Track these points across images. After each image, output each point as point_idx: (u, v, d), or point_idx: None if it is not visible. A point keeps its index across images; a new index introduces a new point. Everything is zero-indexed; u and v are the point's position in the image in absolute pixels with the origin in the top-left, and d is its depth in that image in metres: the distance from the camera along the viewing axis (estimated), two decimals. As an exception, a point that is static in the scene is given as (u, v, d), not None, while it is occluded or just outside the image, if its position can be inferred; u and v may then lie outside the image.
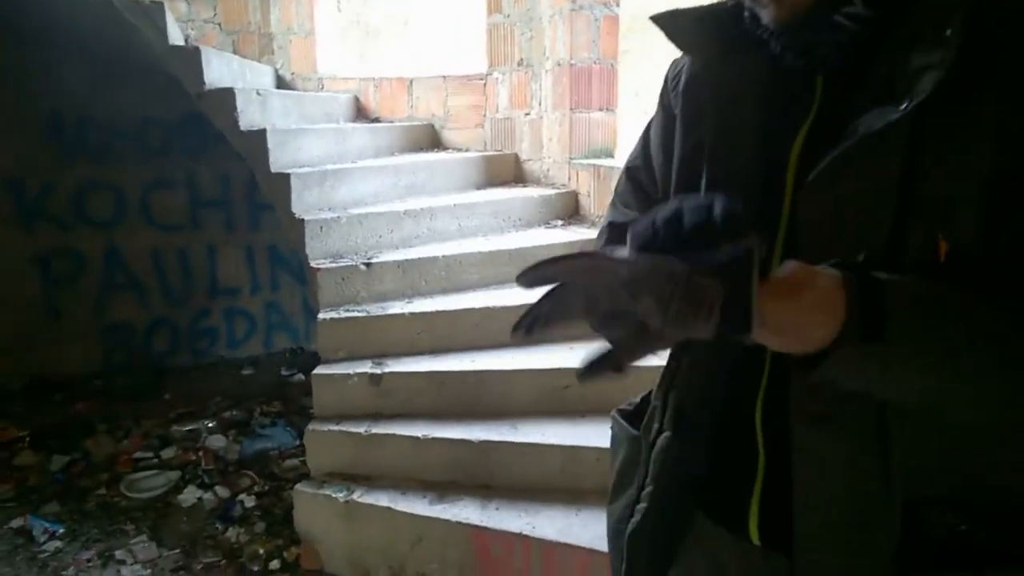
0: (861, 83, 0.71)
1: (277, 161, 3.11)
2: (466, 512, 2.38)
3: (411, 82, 4.23)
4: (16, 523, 2.90)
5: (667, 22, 0.84)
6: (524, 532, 2.25)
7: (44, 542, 2.76)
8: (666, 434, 0.91)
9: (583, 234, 3.24)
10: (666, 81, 0.95)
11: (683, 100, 0.89)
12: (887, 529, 0.71)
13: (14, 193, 4.34)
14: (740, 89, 0.80)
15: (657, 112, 0.98)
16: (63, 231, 4.46)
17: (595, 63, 3.45)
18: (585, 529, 2.25)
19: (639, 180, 1.03)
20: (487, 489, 2.48)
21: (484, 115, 4.06)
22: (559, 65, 3.54)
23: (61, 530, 2.84)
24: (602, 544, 2.20)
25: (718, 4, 0.84)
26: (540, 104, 3.73)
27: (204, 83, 3.19)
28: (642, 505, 0.92)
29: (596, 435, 2.38)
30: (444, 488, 2.50)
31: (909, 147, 0.65)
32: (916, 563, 0.70)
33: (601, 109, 3.52)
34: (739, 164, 0.79)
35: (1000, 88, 0.63)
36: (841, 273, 0.61)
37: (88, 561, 2.66)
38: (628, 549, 0.95)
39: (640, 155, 1.03)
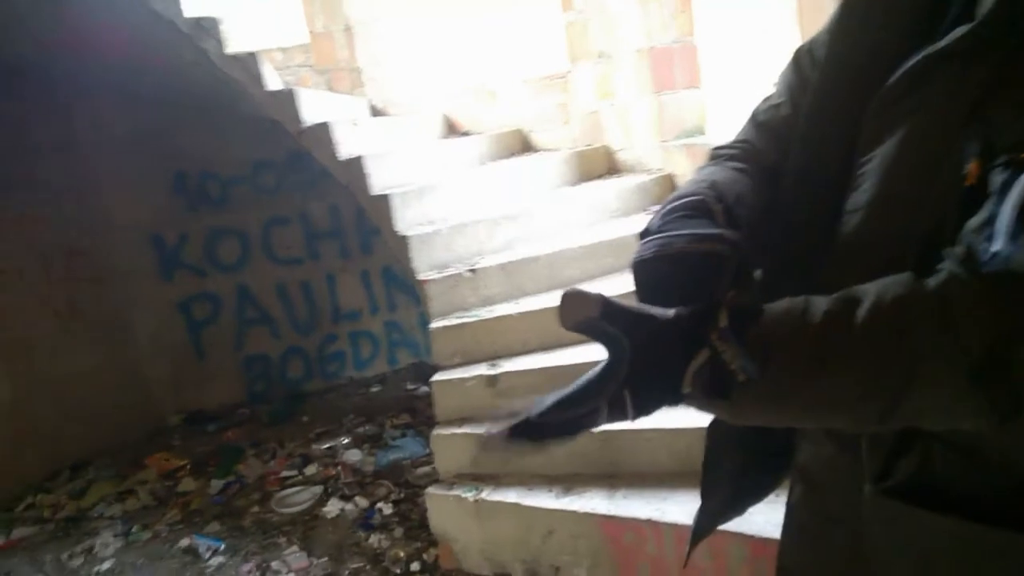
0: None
1: (377, 184, 3.26)
2: (593, 503, 2.39)
3: (495, 91, 4.31)
4: (183, 543, 3.19)
5: None
6: (654, 518, 2.23)
7: (208, 558, 3.02)
8: None
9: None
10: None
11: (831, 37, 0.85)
12: (871, 451, 0.73)
13: (156, 247, 4.78)
14: (885, 18, 0.78)
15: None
16: (199, 277, 4.88)
17: (674, 43, 3.40)
18: (715, 510, 2.21)
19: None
20: (612, 478, 2.48)
21: (570, 112, 4.09)
22: (638, 51, 3.52)
23: (222, 546, 3.09)
24: (736, 525, 2.16)
25: None
26: (625, 93, 3.72)
27: (302, 121, 3.40)
28: None
29: (717, 414, 2.34)
30: (570, 481, 2.52)
31: (973, 68, 0.63)
32: (896, 492, 0.70)
33: (687, 88, 3.46)
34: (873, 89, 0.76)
35: None
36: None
37: (248, 573, 2.88)
38: (707, 439, 0.94)
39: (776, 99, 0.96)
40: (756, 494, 1.02)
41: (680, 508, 2.25)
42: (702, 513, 0.98)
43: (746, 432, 0.87)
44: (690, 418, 1.04)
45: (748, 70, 2.93)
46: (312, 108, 3.50)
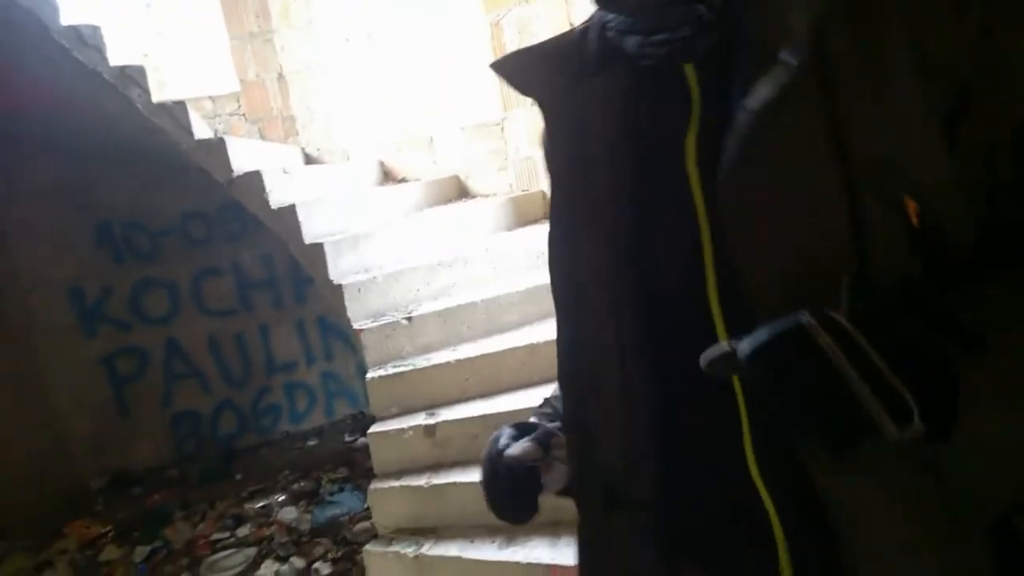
0: (734, 59, 0.59)
1: (310, 233, 3.21)
2: (537, 552, 2.33)
3: (431, 138, 4.33)
4: (105, 618, 2.98)
5: (506, 65, 0.74)
6: (596, 564, 2.20)
7: (133, 633, 2.83)
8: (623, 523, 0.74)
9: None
10: (543, 146, 0.81)
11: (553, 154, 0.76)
12: (975, 560, 0.58)
13: (76, 301, 4.57)
14: (600, 111, 0.67)
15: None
16: (124, 331, 4.68)
17: (604, 90, 3.48)
18: (658, 554, 2.18)
19: None
20: (556, 525, 2.42)
21: (506, 158, 4.12)
22: (570, 98, 3.59)
23: (147, 620, 2.91)
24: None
25: (560, 35, 0.74)
26: (557, 139, 3.76)
27: (232, 170, 3.33)
28: None
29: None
30: (512, 530, 2.46)
31: (819, 106, 0.54)
32: None
33: (617, 133, 3.53)
34: (615, 197, 0.66)
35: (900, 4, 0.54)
36: None
37: (176, 647, 2.71)
38: None
39: None
40: None
41: (624, 553, 2.22)
42: None
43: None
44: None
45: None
46: (242, 156, 3.44)
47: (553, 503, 2.36)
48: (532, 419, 0.93)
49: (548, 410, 0.95)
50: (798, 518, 0.61)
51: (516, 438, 0.86)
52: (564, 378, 0.81)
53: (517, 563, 2.32)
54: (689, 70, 0.62)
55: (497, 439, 0.88)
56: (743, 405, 0.62)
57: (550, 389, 2.84)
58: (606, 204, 0.66)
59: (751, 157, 0.55)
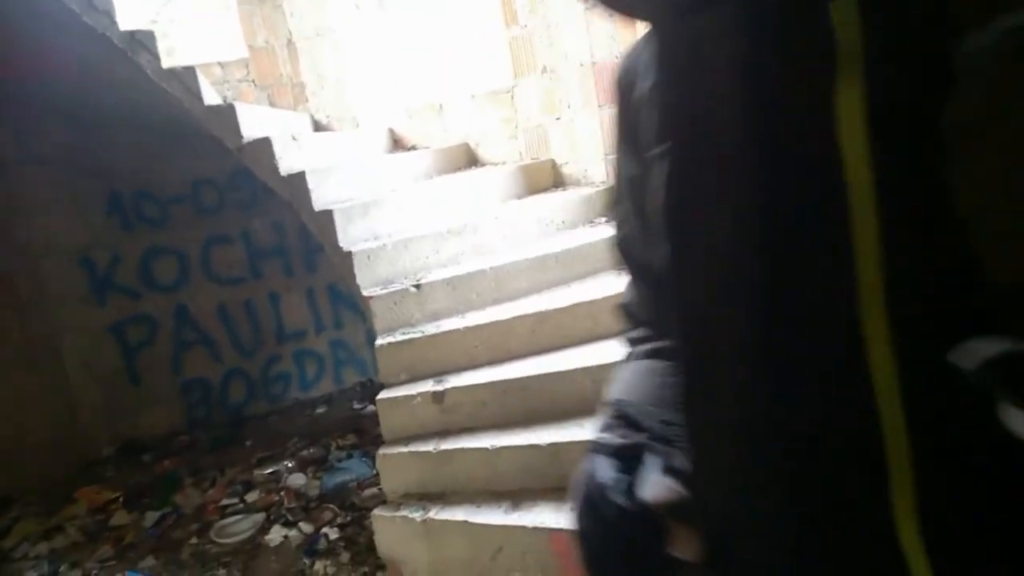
0: None
1: (320, 200, 3.20)
2: (543, 517, 2.34)
3: (441, 106, 4.29)
4: (117, 580, 3.02)
5: None
6: (602, 530, 2.20)
7: (143, 594, 2.87)
8: None
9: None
10: (620, 88, 0.66)
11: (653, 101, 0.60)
12: None
13: (86, 269, 4.58)
14: (716, 54, 0.50)
15: (618, 141, 0.70)
16: (134, 299, 4.69)
17: (617, 57, 3.43)
18: (665, 520, 2.19)
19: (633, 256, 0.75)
20: (561, 491, 2.44)
21: (516, 126, 4.08)
22: (582, 65, 3.54)
23: (159, 582, 2.95)
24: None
25: None
26: (569, 107, 3.73)
27: (242, 137, 3.31)
28: None
29: (664, 423, 2.33)
30: (518, 496, 2.48)
31: None
32: None
33: (630, 101, 3.48)
34: (741, 162, 0.50)
35: None
36: None
37: (186, 607, 2.75)
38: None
39: (623, 217, 0.76)
40: None
41: (630, 520, 2.22)
42: None
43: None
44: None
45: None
46: (252, 123, 3.42)
47: (559, 469, 2.35)
48: (604, 436, 0.68)
49: (614, 417, 0.70)
50: None
51: (624, 471, 0.61)
52: (678, 386, 0.60)
53: (523, 527, 2.33)
54: (847, 6, 0.44)
55: (592, 473, 0.63)
56: (905, 443, 0.44)
57: (559, 356, 2.83)
58: (729, 169, 0.51)
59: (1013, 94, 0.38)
